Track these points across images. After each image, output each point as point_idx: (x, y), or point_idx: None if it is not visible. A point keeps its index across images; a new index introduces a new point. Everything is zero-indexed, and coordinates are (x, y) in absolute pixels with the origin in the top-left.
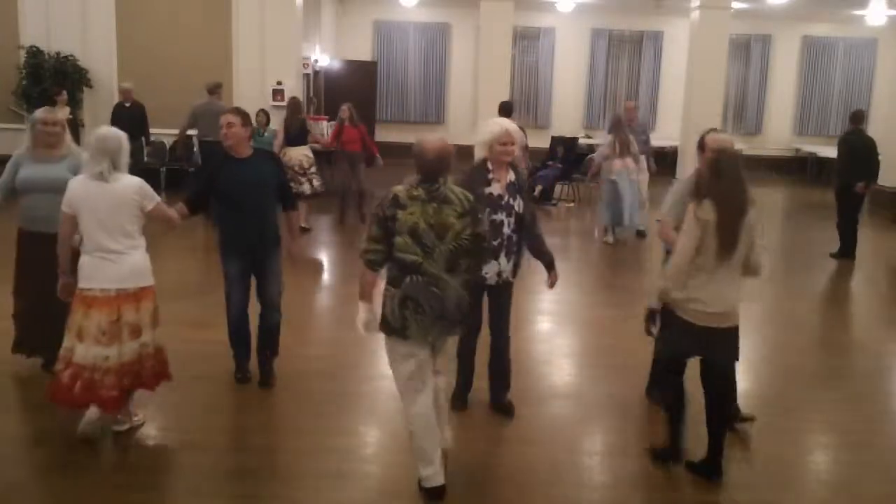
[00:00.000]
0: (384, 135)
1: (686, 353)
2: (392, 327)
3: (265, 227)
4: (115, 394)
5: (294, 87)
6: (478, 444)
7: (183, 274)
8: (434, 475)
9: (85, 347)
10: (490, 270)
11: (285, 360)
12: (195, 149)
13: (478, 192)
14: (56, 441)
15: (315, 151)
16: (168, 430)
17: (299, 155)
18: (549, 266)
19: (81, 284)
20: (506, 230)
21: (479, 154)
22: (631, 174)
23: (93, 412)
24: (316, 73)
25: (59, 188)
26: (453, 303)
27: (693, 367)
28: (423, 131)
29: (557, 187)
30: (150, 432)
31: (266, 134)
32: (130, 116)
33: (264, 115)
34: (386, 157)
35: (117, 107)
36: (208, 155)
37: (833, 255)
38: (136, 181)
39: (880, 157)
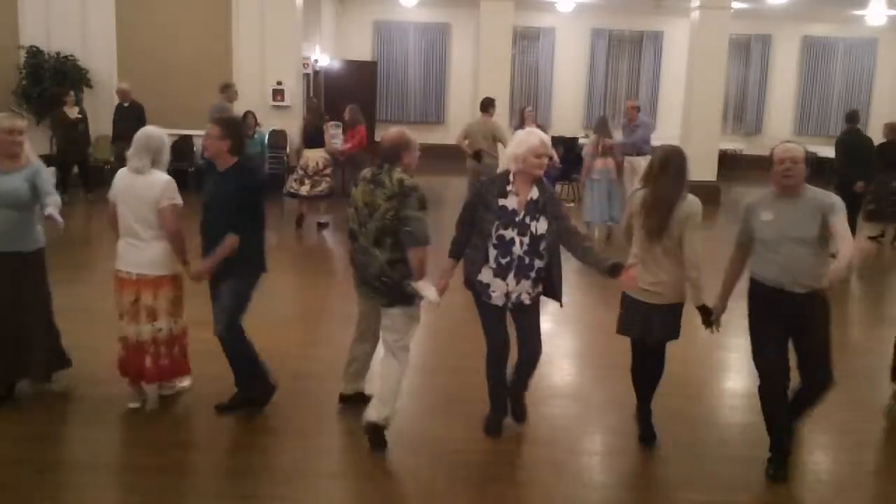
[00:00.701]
0: (384, 135)
1: (629, 329)
2: None
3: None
4: (133, 371)
5: (294, 87)
6: (478, 443)
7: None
8: (345, 385)
9: (125, 323)
10: (497, 290)
11: (286, 359)
12: (195, 148)
13: (490, 202)
14: (55, 441)
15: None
16: (168, 429)
17: (316, 156)
18: (611, 271)
19: (115, 265)
20: (516, 250)
21: (506, 166)
22: (610, 174)
23: (151, 389)
24: (316, 73)
25: (13, 202)
26: (373, 273)
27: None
28: (423, 131)
29: (557, 187)
30: (150, 432)
31: (255, 136)
32: (129, 116)
33: (252, 117)
34: None
35: (118, 107)
36: None
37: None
38: (164, 179)
39: None
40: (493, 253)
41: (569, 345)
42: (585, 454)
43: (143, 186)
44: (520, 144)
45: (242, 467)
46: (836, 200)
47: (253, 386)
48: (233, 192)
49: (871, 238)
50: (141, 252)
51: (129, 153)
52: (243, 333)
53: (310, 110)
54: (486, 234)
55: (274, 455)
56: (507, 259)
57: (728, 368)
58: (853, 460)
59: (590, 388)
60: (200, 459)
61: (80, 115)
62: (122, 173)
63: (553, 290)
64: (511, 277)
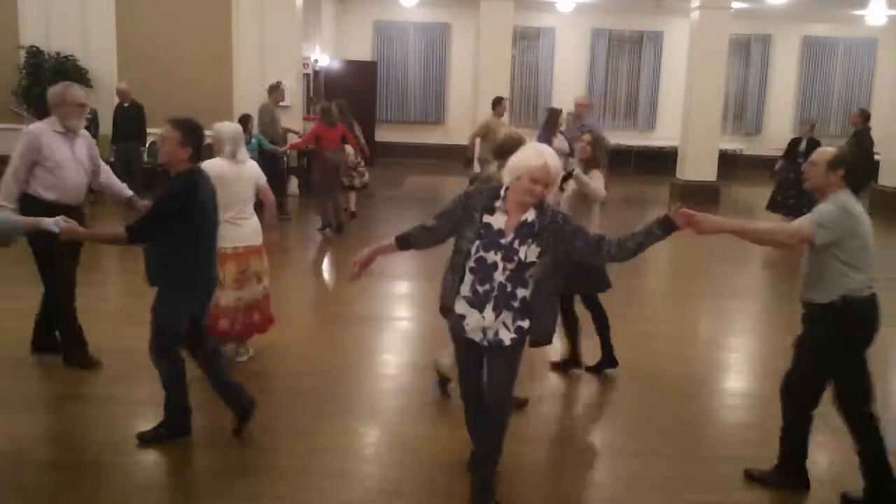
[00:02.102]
0: (384, 135)
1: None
2: None
3: (146, 257)
4: (237, 331)
5: (294, 87)
6: None
7: None
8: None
9: (231, 291)
10: (471, 321)
11: (285, 359)
12: None
13: (472, 217)
14: (55, 441)
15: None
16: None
17: (349, 152)
18: (666, 229)
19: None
20: (498, 276)
21: (506, 179)
22: None
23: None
24: (316, 73)
25: None
26: None
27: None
28: (422, 131)
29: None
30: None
31: (252, 140)
32: (128, 116)
33: (251, 120)
34: (386, 156)
35: (117, 107)
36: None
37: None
38: (254, 163)
39: (880, 158)
40: (469, 278)
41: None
42: (585, 454)
43: (249, 170)
44: (521, 159)
45: (242, 467)
46: (820, 208)
47: (169, 415)
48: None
49: None
50: (246, 227)
51: (230, 148)
52: (169, 358)
53: (340, 111)
54: (464, 254)
55: (274, 455)
56: (486, 286)
57: (728, 368)
58: (853, 460)
59: (590, 388)
60: (201, 459)
61: (90, 116)
62: (221, 164)
63: (543, 330)
64: (489, 310)
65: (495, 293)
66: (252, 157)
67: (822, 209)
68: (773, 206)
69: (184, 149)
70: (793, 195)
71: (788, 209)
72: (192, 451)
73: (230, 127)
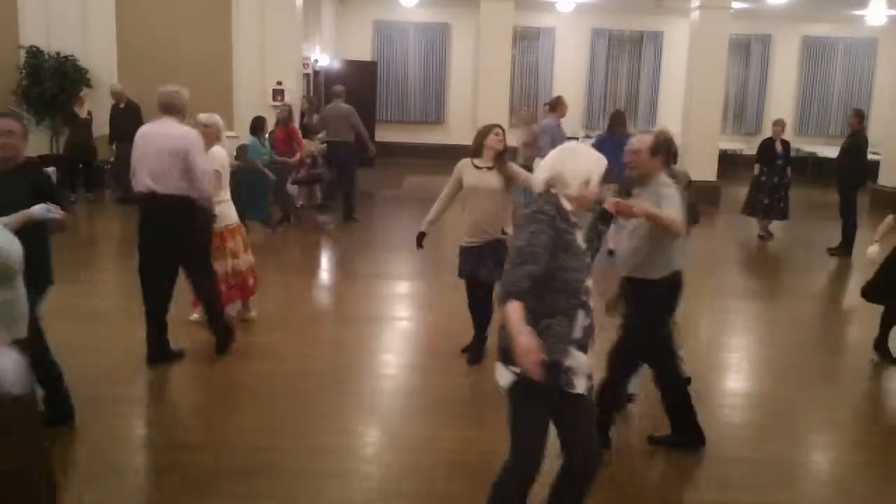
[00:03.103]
0: (384, 135)
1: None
2: None
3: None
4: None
5: (294, 87)
6: (479, 444)
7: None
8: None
9: (242, 259)
10: (580, 369)
11: (285, 360)
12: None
13: (570, 241)
14: (58, 441)
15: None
16: (168, 429)
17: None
18: (603, 222)
19: (235, 220)
20: (591, 303)
21: (573, 186)
22: None
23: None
24: (316, 73)
25: None
26: None
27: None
28: (423, 131)
29: None
30: (150, 432)
31: (265, 142)
32: (124, 117)
33: (262, 121)
34: (386, 156)
35: (112, 108)
36: (333, 154)
37: (834, 252)
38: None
39: (880, 158)
40: (580, 315)
41: None
42: None
43: None
44: (599, 161)
45: (242, 467)
46: (669, 194)
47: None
48: (30, 194)
49: (760, 237)
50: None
51: (225, 137)
52: (49, 355)
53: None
54: (572, 290)
55: (274, 455)
56: (589, 319)
57: (728, 368)
58: (853, 460)
59: None
60: (200, 459)
61: (88, 116)
62: (223, 152)
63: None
64: (590, 346)
65: (593, 324)
66: (265, 161)
67: (671, 195)
68: (748, 209)
69: (25, 141)
70: (779, 197)
71: (763, 211)
72: (192, 451)
73: (218, 118)
